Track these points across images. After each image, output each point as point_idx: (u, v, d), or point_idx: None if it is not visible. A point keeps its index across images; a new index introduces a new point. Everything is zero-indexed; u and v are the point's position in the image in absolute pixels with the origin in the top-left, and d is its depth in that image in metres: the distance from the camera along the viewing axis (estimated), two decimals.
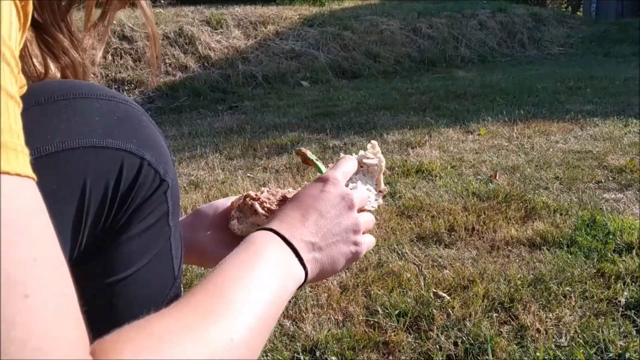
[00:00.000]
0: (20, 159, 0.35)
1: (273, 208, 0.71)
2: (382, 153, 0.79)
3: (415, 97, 5.09)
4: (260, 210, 0.70)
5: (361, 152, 0.78)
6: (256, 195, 0.73)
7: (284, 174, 2.84)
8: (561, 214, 2.16)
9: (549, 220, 2.11)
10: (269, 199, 0.72)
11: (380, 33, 7.59)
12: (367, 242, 0.69)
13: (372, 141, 0.80)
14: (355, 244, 0.64)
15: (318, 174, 0.74)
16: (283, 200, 0.72)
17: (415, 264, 1.80)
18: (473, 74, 6.69)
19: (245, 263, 0.52)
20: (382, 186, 0.79)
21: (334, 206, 0.63)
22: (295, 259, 0.57)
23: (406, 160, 2.94)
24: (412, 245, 1.94)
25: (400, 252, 1.87)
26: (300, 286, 0.57)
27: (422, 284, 1.66)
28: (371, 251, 1.82)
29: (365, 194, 0.71)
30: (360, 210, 0.69)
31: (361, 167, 0.77)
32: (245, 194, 0.74)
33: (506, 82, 5.84)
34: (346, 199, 0.64)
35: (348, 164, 0.71)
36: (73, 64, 0.61)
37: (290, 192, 0.75)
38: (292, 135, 3.73)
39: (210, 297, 0.47)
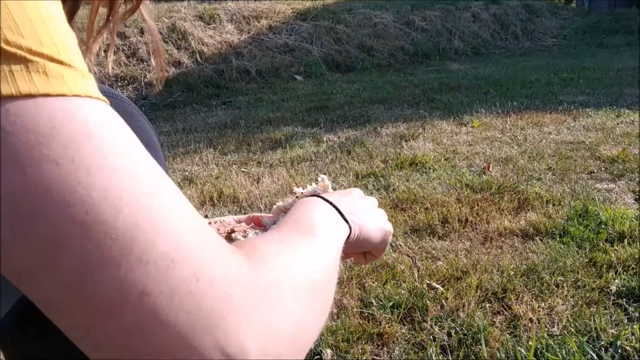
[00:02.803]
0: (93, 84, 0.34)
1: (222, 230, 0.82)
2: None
3: (409, 90, 5.09)
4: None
5: (309, 187, 0.85)
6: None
7: (278, 168, 2.85)
8: (554, 205, 2.18)
9: (542, 210, 2.12)
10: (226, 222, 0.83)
11: (374, 26, 7.58)
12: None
13: (322, 175, 0.87)
14: (382, 217, 0.72)
15: None
16: (230, 232, 0.82)
17: (409, 256, 1.81)
18: (466, 67, 6.70)
19: (306, 210, 0.61)
20: None
21: (349, 193, 0.72)
22: (338, 214, 0.65)
23: (400, 153, 2.94)
24: (405, 237, 1.95)
25: (394, 244, 1.88)
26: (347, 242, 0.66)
27: (416, 275, 1.67)
28: None
29: (373, 199, 0.78)
30: None
31: None
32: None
33: (499, 74, 5.85)
34: (354, 193, 0.72)
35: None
36: None
37: (237, 226, 0.84)
38: (286, 129, 3.73)
39: (296, 229, 0.55)
